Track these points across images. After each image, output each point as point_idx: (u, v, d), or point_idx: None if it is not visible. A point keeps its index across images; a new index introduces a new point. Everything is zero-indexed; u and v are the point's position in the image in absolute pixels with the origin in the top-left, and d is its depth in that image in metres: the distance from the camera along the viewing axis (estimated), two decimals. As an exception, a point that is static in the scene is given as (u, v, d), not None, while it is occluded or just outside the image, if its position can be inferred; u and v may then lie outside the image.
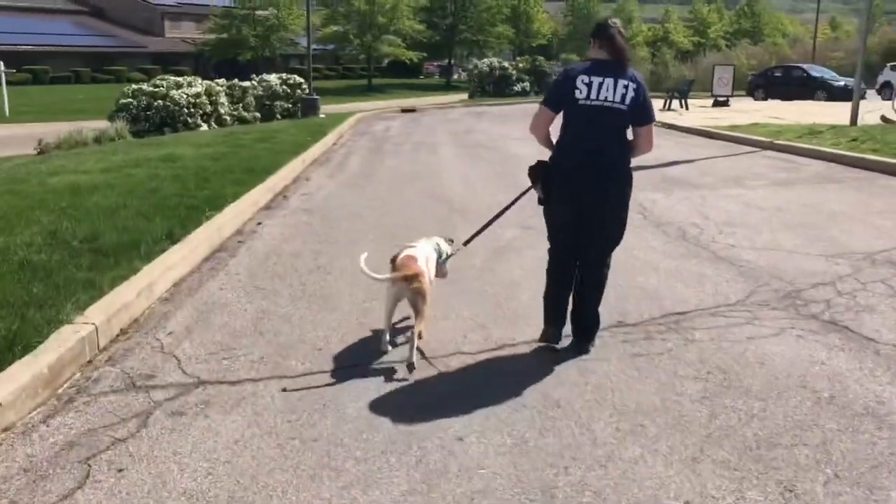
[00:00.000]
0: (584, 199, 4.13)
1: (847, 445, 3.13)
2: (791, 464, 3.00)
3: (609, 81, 4.02)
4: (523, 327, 4.67)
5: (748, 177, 10.37)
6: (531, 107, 24.62)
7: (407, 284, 4.21)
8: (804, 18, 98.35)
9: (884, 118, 18.99)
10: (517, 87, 43.10)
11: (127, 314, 4.88)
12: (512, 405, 3.59)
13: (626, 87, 4.00)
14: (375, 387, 3.85)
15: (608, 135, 4.11)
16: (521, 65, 45.40)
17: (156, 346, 4.48)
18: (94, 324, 4.40)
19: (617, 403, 3.58)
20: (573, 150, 4.21)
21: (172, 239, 6.44)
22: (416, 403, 3.64)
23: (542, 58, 48.74)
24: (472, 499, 2.83)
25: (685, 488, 2.85)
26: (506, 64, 45.03)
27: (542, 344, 4.34)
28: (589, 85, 4.04)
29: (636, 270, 5.77)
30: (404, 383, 3.89)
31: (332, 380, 3.95)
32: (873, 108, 21.57)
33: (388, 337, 4.38)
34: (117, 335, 4.64)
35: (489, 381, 3.88)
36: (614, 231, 4.26)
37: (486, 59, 46.72)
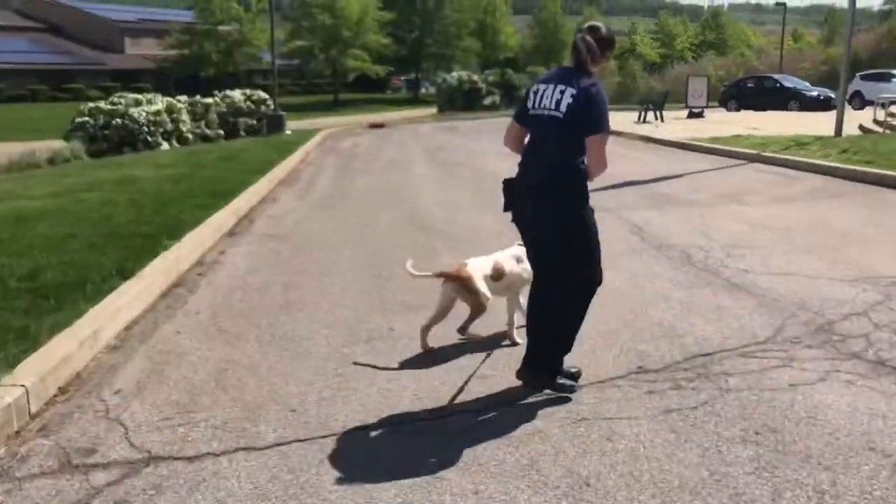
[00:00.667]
0: (525, 216, 3.86)
1: (950, 533, 2.54)
2: (891, 565, 2.40)
3: (549, 88, 3.70)
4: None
5: (744, 192, 9.87)
6: (503, 121, 24.07)
7: (451, 284, 4.40)
8: (765, 30, 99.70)
9: (862, 127, 18.73)
10: (487, 101, 42.71)
11: (67, 369, 4.18)
12: (531, 485, 2.94)
13: (562, 92, 3.64)
14: (363, 461, 3.19)
15: (550, 145, 3.73)
16: (490, 78, 45.01)
17: (99, 409, 3.78)
18: (24, 385, 3.70)
19: (657, 478, 2.96)
20: (524, 162, 3.91)
21: (124, 274, 5.74)
22: (414, 484, 2.99)
23: (510, 70, 48.39)
24: None
25: None
26: (475, 77, 44.64)
27: (552, 397, 3.73)
28: (536, 93, 3.79)
29: (646, 302, 5.18)
30: (397, 455, 3.24)
31: (311, 452, 3.28)
32: (850, 118, 21.34)
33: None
34: (54, 395, 3.94)
35: (498, 450, 3.23)
36: (551, 252, 3.77)
37: (454, 73, 46.28)
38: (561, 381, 3.81)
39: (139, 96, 22.28)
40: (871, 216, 8.01)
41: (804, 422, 3.39)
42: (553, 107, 3.66)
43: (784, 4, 51.82)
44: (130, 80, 52.65)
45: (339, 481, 3.03)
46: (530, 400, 3.75)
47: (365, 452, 3.28)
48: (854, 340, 4.39)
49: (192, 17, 56.70)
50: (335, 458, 3.22)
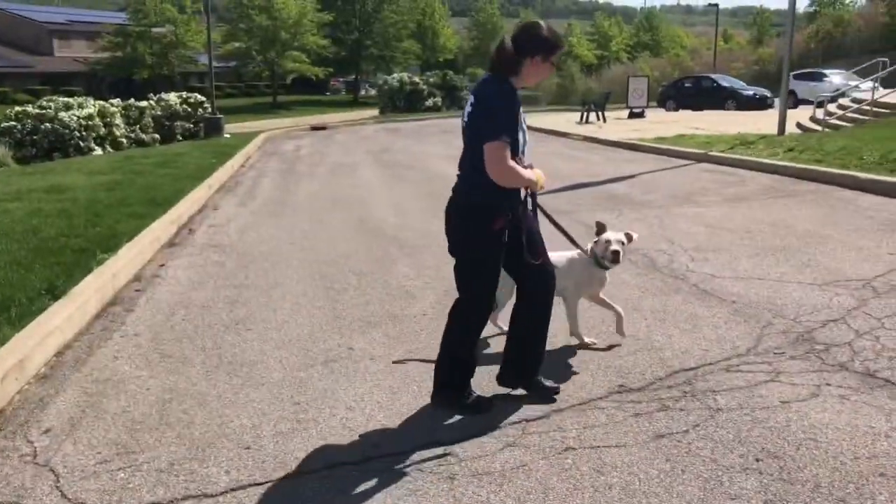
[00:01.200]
0: None
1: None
2: None
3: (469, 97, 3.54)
4: (513, 401, 3.74)
5: (696, 192, 9.77)
6: (446, 122, 24.00)
7: None
8: (696, 31, 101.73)
9: (800, 126, 19.02)
10: (429, 102, 42.39)
11: (-12, 406, 3.73)
12: (521, 530, 2.65)
13: (468, 100, 3.51)
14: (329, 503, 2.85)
15: (463, 157, 3.56)
16: (432, 79, 44.72)
17: (26, 453, 3.35)
18: (-66, 431, 3.26)
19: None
20: None
21: (54, 294, 5.27)
22: (390, 533, 2.66)
23: (451, 72, 48.22)
24: None
25: None
26: (416, 79, 44.30)
27: (532, 420, 3.45)
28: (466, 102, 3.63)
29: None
30: (366, 497, 2.90)
31: (270, 499, 2.92)
32: (790, 117, 21.69)
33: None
34: (-28, 438, 3.50)
35: (481, 491, 2.92)
36: (457, 264, 3.63)
37: (395, 75, 45.83)
38: (468, 401, 3.64)
39: (69, 100, 21.35)
40: (828, 215, 7.94)
41: (805, 445, 3.16)
42: (464, 116, 3.50)
43: (717, 5, 52.83)
44: (60, 83, 50.65)
45: (305, 533, 2.68)
46: (510, 427, 3.45)
47: (329, 494, 2.94)
48: (838, 350, 4.20)
49: (123, 19, 55.02)
50: (298, 504, 2.87)
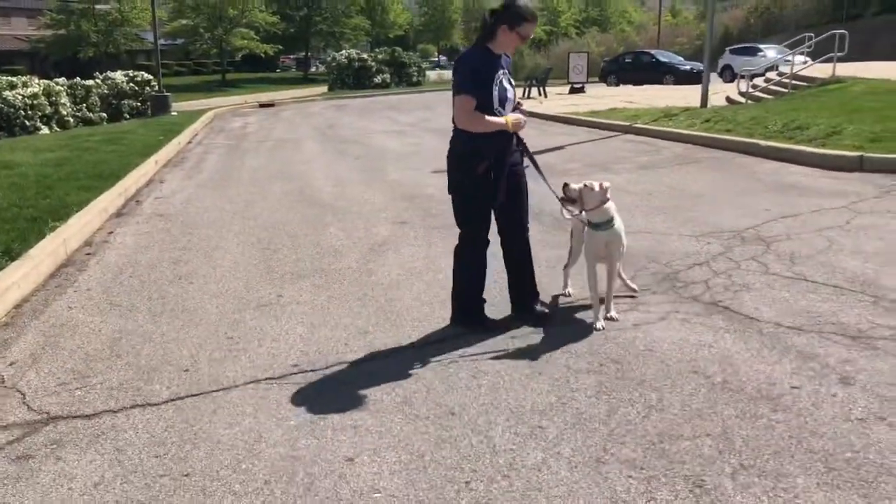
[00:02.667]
0: None
1: (747, 432, 3.07)
2: (696, 457, 2.90)
3: None
4: (408, 330, 4.44)
5: (613, 161, 10.54)
6: (393, 99, 24.59)
7: None
8: (647, 6, 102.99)
9: (728, 99, 19.96)
10: (377, 79, 42.69)
11: (-43, 346, 4.30)
12: (404, 417, 3.34)
13: None
14: (252, 409, 3.50)
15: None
16: (380, 56, 44.99)
17: (-6, 380, 3.95)
18: (-84, 360, 3.83)
19: (513, 405, 3.41)
20: None
21: (10, 255, 5.81)
22: (300, 423, 3.33)
23: (400, 49, 48.48)
24: (369, 529, 2.58)
25: (594, 494, 2.69)
26: (365, 55, 44.51)
27: (428, 345, 4.15)
28: None
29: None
30: (283, 402, 3.56)
31: (204, 405, 3.57)
32: (718, 91, 22.63)
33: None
34: (-54, 371, 4.07)
35: (376, 392, 3.61)
36: (453, 202, 4.42)
37: (344, 51, 45.97)
38: (479, 323, 4.41)
39: (14, 79, 21.37)
40: (724, 179, 8.77)
41: (642, 354, 3.91)
42: None
43: (661, -19, 53.73)
44: (2, 62, 49.85)
45: (231, 426, 3.34)
46: (409, 351, 4.14)
47: (254, 402, 3.59)
48: (694, 286, 4.97)
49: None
50: (227, 409, 3.52)
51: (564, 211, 4.48)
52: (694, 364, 3.76)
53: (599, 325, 4.29)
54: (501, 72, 4.14)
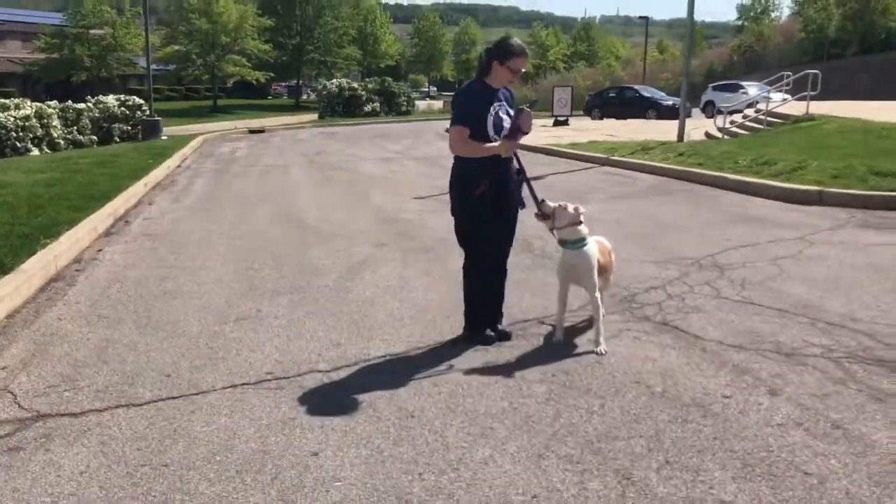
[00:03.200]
0: None
1: (677, 434, 3.40)
2: (628, 454, 3.22)
3: None
4: (378, 343, 4.74)
5: (588, 191, 10.93)
6: (382, 127, 25.04)
7: None
8: (634, 42, 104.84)
9: (707, 134, 20.50)
10: (367, 108, 43.28)
11: (-47, 351, 4.57)
12: (367, 418, 3.64)
13: None
14: (228, 410, 3.80)
15: None
16: (370, 85, 45.63)
17: (-13, 382, 4.22)
18: (-85, 362, 4.10)
19: (468, 409, 3.72)
20: None
21: (3, 269, 6.08)
22: (271, 423, 3.62)
23: (390, 79, 49.18)
24: (329, 511, 2.87)
25: (532, 483, 3.00)
26: (355, 84, 45.14)
27: (396, 357, 4.46)
28: None
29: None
30: (257, 405, 3.85)
31: (184, 405, 3.86)
32: (699, 126, 23.25)
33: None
34: (-57, 373, 4.34)
35: (344, 397, 3.91)
36: (455, 223, 4.73)
37: (335, 80, 46.61)
38: (476, 334, 4.71)
39: (6, 101, 21.70)
40: (691, 210, 9.16)
41: (592, 366, 4.24)
42: None
43: (647, 18, 54.86)
44: (-6, 84, 50.23)
45: (208, 424, 3.63)
46: (377, 361, 4.44)
47: (230, 405, 3.88)
48: (648, 307, 5.31)
49: (60, 20, 54.60)
50: (204, 410, 3.81)
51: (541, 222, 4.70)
52: (638, 376, 4.09)
53: (599, 348, 4.45)
54: (498, 104, 4.50)
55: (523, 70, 4.54)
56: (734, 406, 3.68)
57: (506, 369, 4.23)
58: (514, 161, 4.62)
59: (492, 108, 4.46)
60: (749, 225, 8.08)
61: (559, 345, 4.59)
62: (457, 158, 4.58)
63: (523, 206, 4.68)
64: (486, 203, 4.48)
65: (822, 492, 2.90)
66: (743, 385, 3.93)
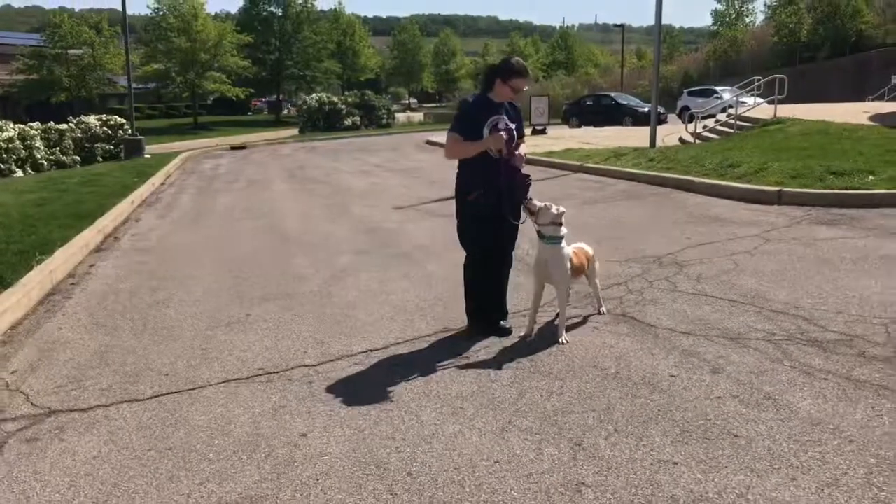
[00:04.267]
0: None
1: (626, 408, 3.81)
2: (581, 425, 3.63)
3: None
4: (360, 340, 5.13)
5: (561, 197, 11.33)
6: (362, 141, 25.47)
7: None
8: (613, 49, 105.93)
9: (681, 140, 21.04)
10: (348, 122, 43.68)
11: (-36, 358, 4.92)
12: (350, 403, 4.04)
13: None
14: (223, 401, 4.18)
15: None
16: (350, 99, 46.05)
17: (0, 384, 4.58)
18: (-68, 369, 4.45)
19: (441, 393, 4.12)
20: None
21: (3, 284, 6.43)
22: (263, 411, 4.01)
23: (370, 92, 49.63)
24: (316, 480, 3.26)
25: (495, 451, 3.41)
26: (335, 99, 45.54)
27: (376, 351, 4.86)
28: None
29: (458, 284, 6.36)
30: (250, 397, 4.24)
31: (183, 399, 4.24)
32: (674, 131, 23.82)
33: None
34: (-44, 379, 4.69)
35: (329, 387, 4.30)
36: (457, 226, 5.20)
37: (314, 95, 47.01)
38: (475, 329, 5.12)
39: (-11, 124, 21.96)
40: (658, 212, 9.63)
41: (554, 353, 4.66)
42: None
43: (623, 26, 55.65)
44: (-28, 106, 50.29)
45: (205, 414, 4.01)
46: (358, 356, 4.84)
47: (225, 397, 4.26)
48: (610, 301, 5.72)
49: (38, 41, 54.72)
50: (202, 402, 4.19)
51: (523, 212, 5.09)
52: (595, 360, 4.51)
53: (561, 338, 4.87)
54: (498, 116, 4.91)
55: (525, 88, 4.97)
56: (679, 383, 4.10)
57: (476, 358, 4.64)
58: (517, 169, 4.99)
59: (490, 120, 4.88)
60: (710, 224, 8.55)
61: (529, 337, 5.00)
62: (458, 167, 5.02)
63: (519, 219, 5.07)
64: (479, 209, 4.91)
65: (747, 450, 3.32)
66: (689, 366, 4.36)
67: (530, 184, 5.11)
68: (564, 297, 5.03)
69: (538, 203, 5.01)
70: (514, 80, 4.86)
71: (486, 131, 4.86)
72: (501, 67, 4.93)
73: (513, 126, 4.94)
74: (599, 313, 5.45)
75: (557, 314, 5.12)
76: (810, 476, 3.10)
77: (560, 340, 4.86)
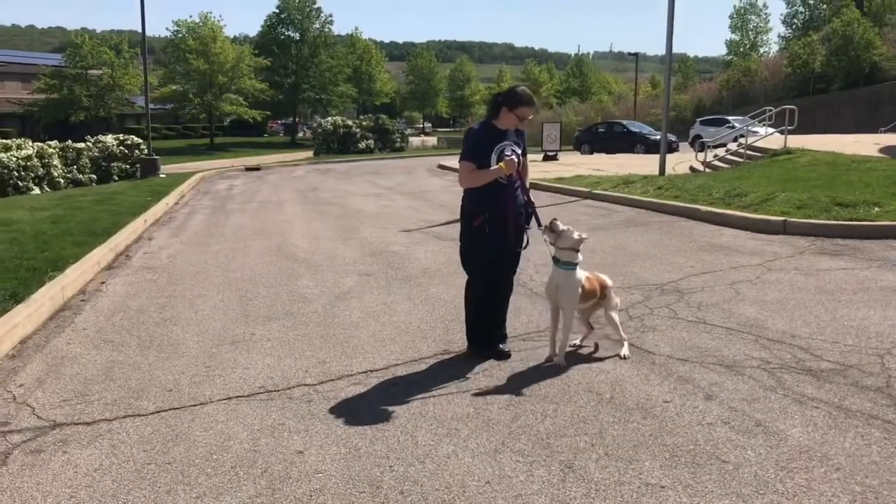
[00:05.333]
0: None
1: (618, 432, 3.87)
2: (572, 448, 3.69)
3: None
4: (360, 360, 5.22)
5: (569, 223, 11.38)
6: (375, 164, 25.78)
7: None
8: (628, 77, 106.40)
9: (692, 168, 21.12)
10: (362, 145, 44.06)
11: (-26, 371, 5.03)
12: (347, 422, 4.12)
13: None
14: (224, 418, 4.27)
15: None
16: (364, 123, 46.46)
17: (7, 397, 4.68)
18: (-58, 380, 4.56)
19: (437, 414, 4.19)
20: None
21: (16, 299, 6.56)
22: (262, 428, 4.09)
23: (385, 116, 50.07)
24: (310, 496, 3.33)
25: (487, 472, 3.47)
26: (350, 122, 45.97)
27: (376, 372, 4.94)
28: None
29: (460, 307, 6.44)
30: (250, 414, 4.32)
31: (185, 415, 4.33)
32: (684, 160, 23.92)
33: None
34: (-34, 391, 4.80)
35: (327, 406, 4.38)
36: (460, 249, 5.27)
37: (330, 118, 47.46)
38: (475, 352, 5.19)
39: (8, 141, 22.31)
40: (663, 240, 9.69)
41: (550, 378, 4.72)
42: None
43: (637, 55, 55.99)
44: (-8, 124, 51.08)
45: (206, 430, 4.10)
46: (359, 376, 4.92)
47: (226, 414, 4.35)
48: (610, 328, 5.78)
49: (59, 61, 55.60)
50: (203, 418, 4.28)
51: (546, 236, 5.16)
52: (590, 385, 4.57)
53: (557, 360, 4.96)
54: (505, 143, 5.03)
55: (530, 118, 5.07)
56: (672, 409, 4.16)
57: (475, 380, 4.71)
58: (522, 197, 5.12)
59: (497, 147, 4.99)
60: (715, 253, 8.60)
61: (524, 362, 5.07)
62: (464, 192, 5.12)
63: (522, 245, 5.20)
64: (484, 234, 5.01)
65: (734, 476, 3.38)
66: (683, 392, 4.41)
67: (534, 210, 5.20)
68: (570, 322, 5.10)
69: (562, 225, 5.09)
70: (519, 108, 4.98)
71: (493, 157, 4.96)
72: (508, 96, 5.04)
73: (519, 151, 5.08)
74: (621, 357, 5.09)
75: (552, 336, 5.18)
76: (794, 502, 3.14)
77: (556, 362, 4.93)
